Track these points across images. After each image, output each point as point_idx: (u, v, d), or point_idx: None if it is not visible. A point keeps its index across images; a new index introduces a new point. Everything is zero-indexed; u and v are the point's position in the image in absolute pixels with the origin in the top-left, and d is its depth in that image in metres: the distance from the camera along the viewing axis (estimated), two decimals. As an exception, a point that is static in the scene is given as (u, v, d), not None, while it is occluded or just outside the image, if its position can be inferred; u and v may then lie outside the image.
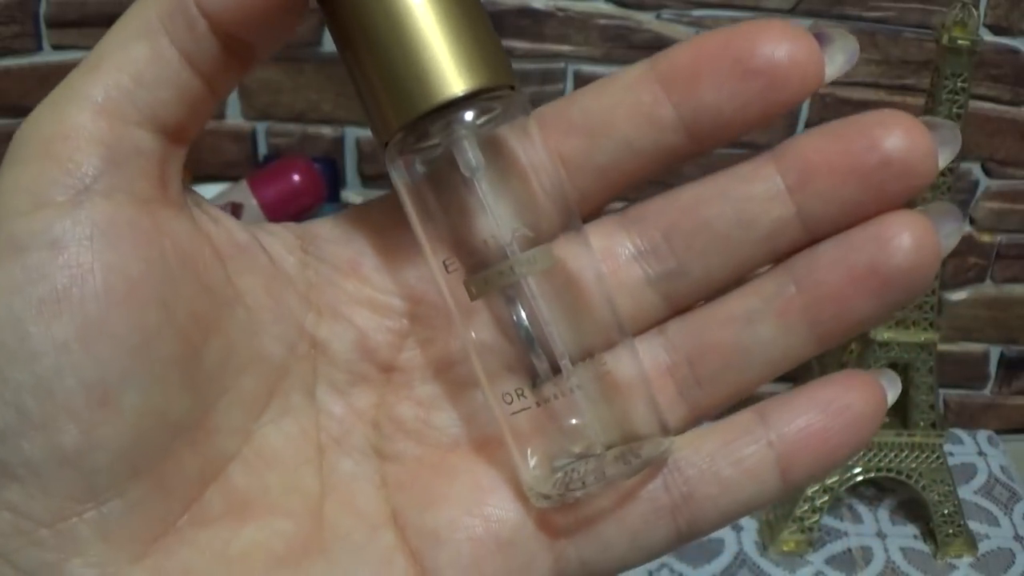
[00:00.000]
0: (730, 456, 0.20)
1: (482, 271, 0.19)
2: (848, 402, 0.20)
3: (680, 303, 0.21)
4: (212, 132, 0.76)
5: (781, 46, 0.19)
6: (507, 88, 0.19)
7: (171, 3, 0.17)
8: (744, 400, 0.21)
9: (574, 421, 0.20)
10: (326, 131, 0.78)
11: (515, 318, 0.20)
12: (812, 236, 0.20)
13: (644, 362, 0.21)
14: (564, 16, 0.76)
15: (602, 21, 0.76)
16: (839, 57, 0.20)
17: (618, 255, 0.21)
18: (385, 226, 0.21)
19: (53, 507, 0.17)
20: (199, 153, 0.75)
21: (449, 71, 0.17)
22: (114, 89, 0.17)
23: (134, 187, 0.18)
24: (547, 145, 0.20)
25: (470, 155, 0.19)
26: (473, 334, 0.20)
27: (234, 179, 0.73)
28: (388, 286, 0.21)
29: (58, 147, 0.17)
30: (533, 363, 0.20)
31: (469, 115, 0.18)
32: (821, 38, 0.19)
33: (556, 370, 0.20)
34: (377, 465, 0.21)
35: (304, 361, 0.20)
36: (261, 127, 0.77)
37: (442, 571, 0.19)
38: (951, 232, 0.20)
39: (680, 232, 0.21)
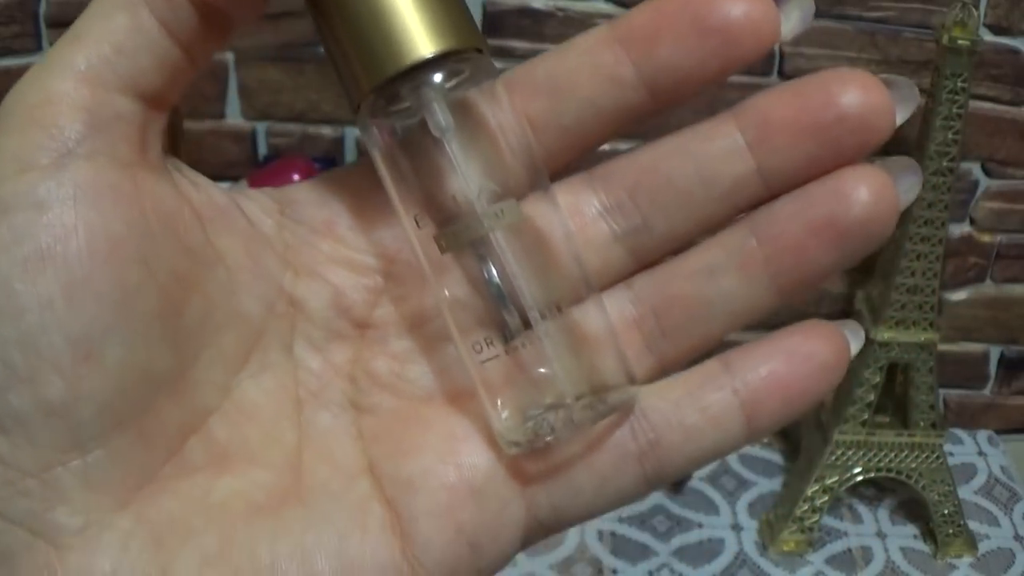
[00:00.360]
0: (695, 403, 0.21)
1: (451, 225, 0.20)
2: (811, 350, 0.21)
3: (646, 258, 0.22)
4: (212, 132, 0.77)
5: (737, 5, 0.19)
6: (475, 51, 0.19)
7: None
8: (711, 351, 0.22)
9: (543, 371, 0.20)
10: (326, 131, 0.78)
11: (485, 273, 0.20)
12: (772, 191, 0.21)
13: (611, 315, 0.21)
14: (564, 16, 0.76)
15: (602, 21, 0.76)
16: (794, 14, 0.20)
17: (585, 212, 0.22)
18: (359, 189, 0.22)
19: (39, 458, 0.17)
20: (199, 153, 0.75)
21: (418, 35, 0.18)
22: (95, 58, 0.18)
23: (115, 151, 0.18)
24: (514, 106, 0.21)
25: (440, 116, 0.19)
26: (445, 290, 0.21)
27: (234, 179, 0.73)
28: (363, 246, 0.22)
29: (42, 113, 0.18)
30: (503, 317, 0.20)
31: (438, 77, 0.19)
32: None
33: (526, 324, 0.20)
34: (353, 417, 0.21)
35: (282, 319, 0.21)
36: (261, 127, 0.77)
37: (417, 518, 0.20)
38: (910, 186, 0.20)
39: (644, 189, 0.21)
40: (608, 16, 0.76)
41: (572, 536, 0.79)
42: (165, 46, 0.18)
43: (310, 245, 0.21)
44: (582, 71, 0.21)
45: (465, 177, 0.20)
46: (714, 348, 0.22)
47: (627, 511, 0.81)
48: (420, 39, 0.18)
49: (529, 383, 0.21)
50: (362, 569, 0.19)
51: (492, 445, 0.21)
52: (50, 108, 0.18)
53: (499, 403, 0.20)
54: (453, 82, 0.19)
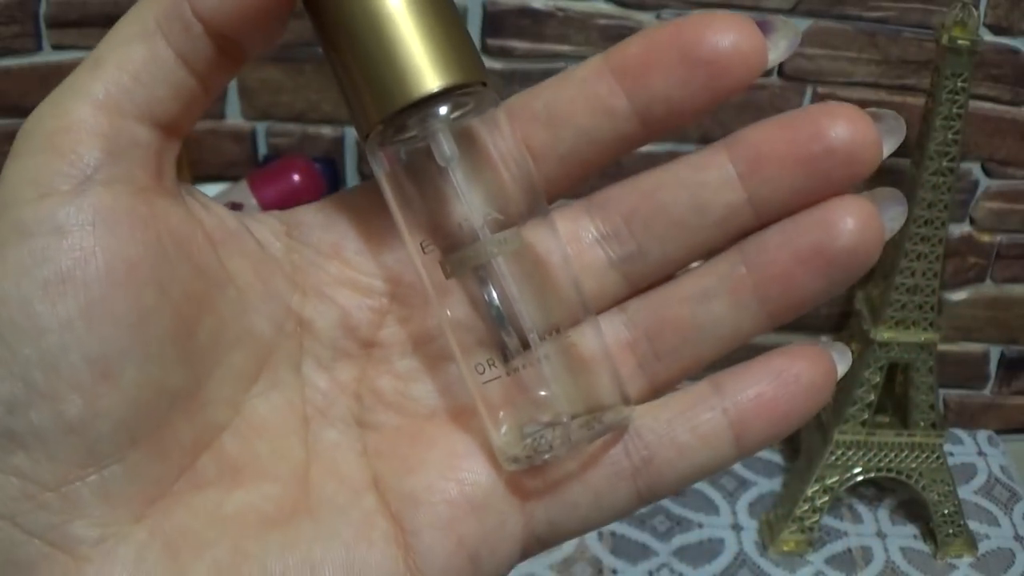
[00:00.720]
0: (687, 423, 0.21)
1: (456, 252, 0.21)
2: (798, 372, 0.21)
3: (640, 283, 0.23)
4: (212, 132, 0.76)
5: (726, 36, 0.20)
6: (479, 84, 0.20)
7: (168, 7, 0.19)
8: (702, 373, 0.23)
9: (542, 392, 0.21)
10: (326, 131, 0.78)
11: (486, 296, 0.21)
12: (762, 220, 0.22)
13: (607, 338, 0.22)
14: (564, 16, 0.76)
15: (602, 21, 0.76)
16: (782, 44, 0.21)
17: (583, 238, 0.22)
18: (366, 212, 0.22)
19: (58, 472, 0.18)
20: (199, 153, 0.75)
21: (425, 69, 0.19)
22: (113, 86, 0.18)
23: (132, 177, 0.19)
24: (515, 135, 0.21)
25: (445, 146, 0.20)
26: (448, 311, 0.22)
27: (234, 179, 0.73)
28: (369, 268, 0.22)
29: (61, 140, 0.18)
30: (503, 339, 0.21)
31: (443, 109, 0.20)
32: (764, 26, 0.20)
33: (525, 345, 0.21)
34: (359, 434, 0.22)
35: (291, 338, 0.22)
36: (261, 127, 0.77)
37: (421, 531, 0.20)
38: (895, 215, 0.21)
39: (639, 217, 0.22)
40: (608, 16, 0.76)
41: (572, 536, 0.79)
42: (181, 76, 0.19)
43: (317, 267, 0.22)
44: (578, 102, 0.21)
45: (468, 204, 0.21)
46: (705, 369, 0.23)
47: (627, 511, 0.81)
48: (428, 73, 0.19)
49: (528, 402, 0.21)
50: None
51: (492, 462, 0.21)
52: (69, 135, 0.18)
53: (499, 421, 0.21)
54: (458, 113, 0.20)
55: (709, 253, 0.22)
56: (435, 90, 0.19)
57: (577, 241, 0.22)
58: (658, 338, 0.22)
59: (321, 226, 0.22)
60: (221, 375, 0.20)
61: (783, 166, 0.21)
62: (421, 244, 0.21)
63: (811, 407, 0.21)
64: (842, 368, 0.22)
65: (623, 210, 0.22)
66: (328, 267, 0.22)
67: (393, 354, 0.22)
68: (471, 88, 0.20)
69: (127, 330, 0.18)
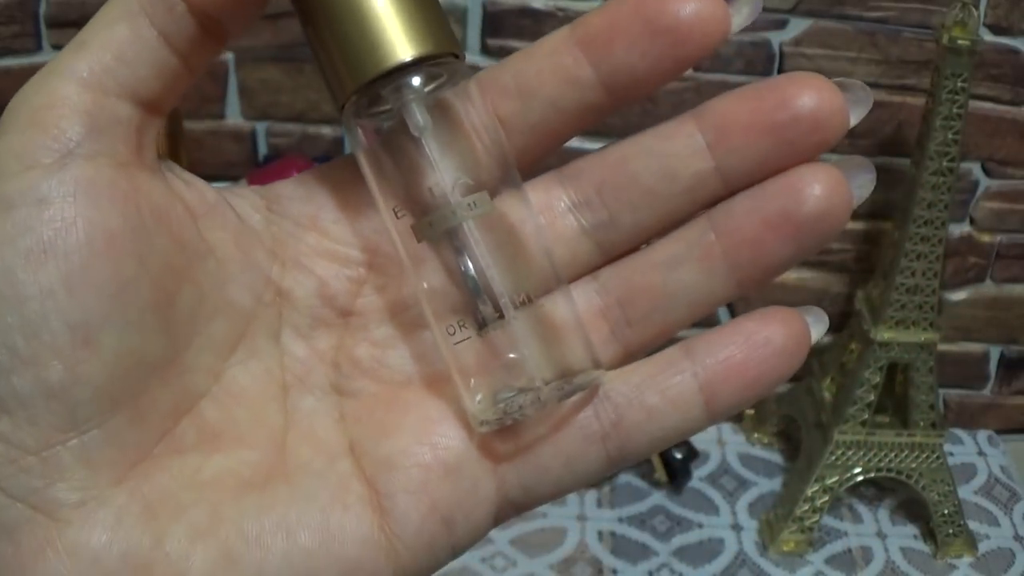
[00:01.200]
0: (656, 386, 0.22)
1: (427, 216, 0.21)
2: (768, 335, 0.22)
3: (612, 251, 0.23)
4: (212, 132, 0.77)
5: (687, 4, 0.20)
6: (451, 56, 0.21)
7: None
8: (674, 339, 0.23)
9: (513, 355, 0.22)
10: (326, 131, 0.78)
11: (460, 264, 0.22)
12: (731, 188, 0.22)
13: (579, 305, 0.22)
14: (564, 16, 0.76)
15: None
16: (744, 10, 0.21)
17: (555, 207, 0.23)
18: (344, 185, 0.23)
19: (40, 437, 0.19)
20: (199, 153, 0.75)
21: (398, 40, 0.19)
22: (97, 65, 0.19)
23: (113, 152, 0.19)
24: (486, 106, 0.22)
25: (418, 116, 0.21)
26: (422, 279, 0.22)
27: (234, 179, 0.73)
28: (346, 238, 0.23)
29: (45, 115, 0.19)
30: (477, 305, 0.22)
31: (417, 80, 0.20)
32: None
33: (499, 312, 0.21)
34: (336, 401, 0.22)
35: (270, 308, 0.22)
36: (261, 127, 0.77)
37: (395, 495, 0.21)
38: (863, 183, 0.21)
39: (611, 186, 0.22)
40: (608, 16, 0.76)
41: (572, 536, 0.79)
42: (164, 55, 0.20)
43: (296, 238, 0.23)
44: (545, 73, 0.22)
45: (440, 171, 0.21)
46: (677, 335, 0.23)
47: (627, 511, 0.81)
48: (400, 44, 0.20)
49: (500, 367, 0.22)
50: (343, 543, 0.20)
51: (465, 427, 0.22)
52: (53, 111, 0.19)
53: (472, 386, 0.21)
54: (432, 85, 0.21)
55: (679, 222, 0.23)
56: (407, 60, 0.20)
57: (550, 210, 0.23)
58: (630, 305, 0.23)
59: (300, 199, 0.23)
60: (200, 344, 0.21)
61: (750, 135, 0.21)
62: (395, 211, 0.22)
63: (783, 371, 0.22)
64: (816, 332, 0.22)
65: (594, 180, 0.23)
66: (306, 238, 0.22)
67: (370, 323, 0.23)
68: (443, 59, 0.20)
69: (107, 299, 0.19)
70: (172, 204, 0.21)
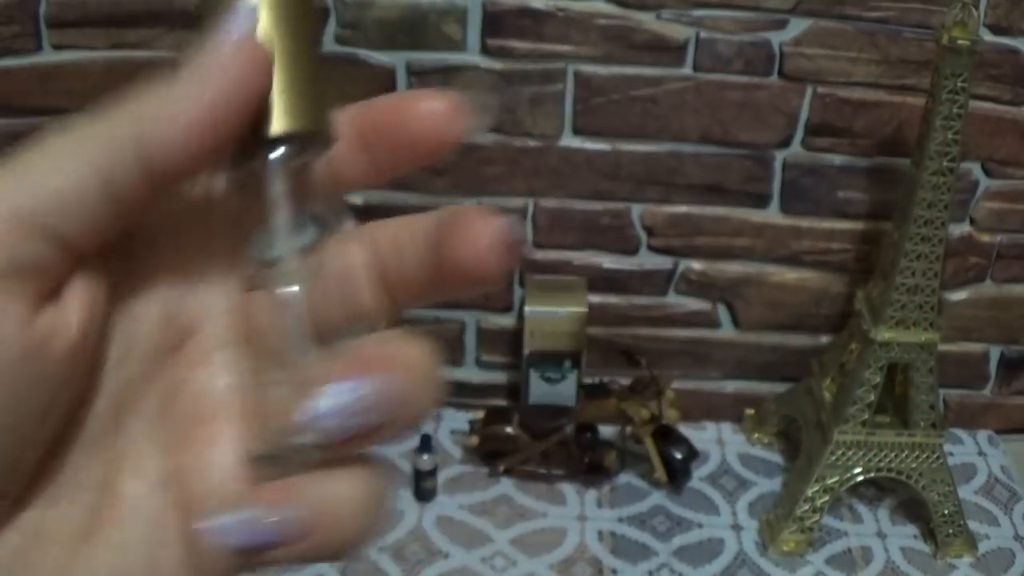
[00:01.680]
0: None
1: (263, 270, 0.23)
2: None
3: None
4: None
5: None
6: (317, 133, 0.23)
7: (116, 145, 0.19)
8: None
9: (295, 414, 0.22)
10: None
11: (281, 317, 0.23)
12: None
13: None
14: (564, 16, 0.76)
15: (602, 21, 0.76)
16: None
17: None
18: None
19: None
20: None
21: (275, 113, 0.22)
22: (30, 203, 0.19)
23: (24, 289, 0.19)
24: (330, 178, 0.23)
25: (276, 184, 0.23)
26: (256, 319, 0.23)
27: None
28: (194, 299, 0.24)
29: None
30: (292, 355, 0.23)
31: (280, 151, 0.23)
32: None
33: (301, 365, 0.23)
34: (163, 427, 0.23)
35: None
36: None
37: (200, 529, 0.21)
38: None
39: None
40: (608, 16, 0.76)
41: (572, 536, 0.79)
42: (102, 210, 0.20)
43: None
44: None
45: (281, 236, 0.23)
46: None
47: (627, 511, 0.81)
48: (275, 116, 0.22)
49: (285, 416, 0.22)
50: None
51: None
52: None
53: (261, 427, 0.22)
54: (296, 156, 0.23)
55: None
56: (277, 134, 0.22)
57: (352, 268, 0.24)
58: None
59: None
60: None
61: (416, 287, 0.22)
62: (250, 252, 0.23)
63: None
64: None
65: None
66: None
67: (208, 349, 0.24)
68: (306, 134, 0.23)
69: None
70: (71, 345, 0.21)
